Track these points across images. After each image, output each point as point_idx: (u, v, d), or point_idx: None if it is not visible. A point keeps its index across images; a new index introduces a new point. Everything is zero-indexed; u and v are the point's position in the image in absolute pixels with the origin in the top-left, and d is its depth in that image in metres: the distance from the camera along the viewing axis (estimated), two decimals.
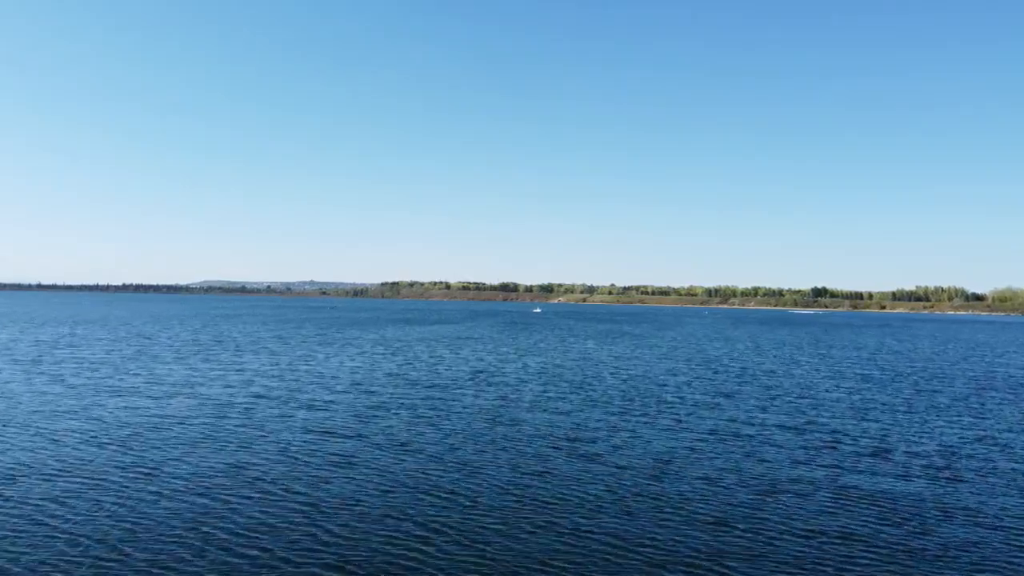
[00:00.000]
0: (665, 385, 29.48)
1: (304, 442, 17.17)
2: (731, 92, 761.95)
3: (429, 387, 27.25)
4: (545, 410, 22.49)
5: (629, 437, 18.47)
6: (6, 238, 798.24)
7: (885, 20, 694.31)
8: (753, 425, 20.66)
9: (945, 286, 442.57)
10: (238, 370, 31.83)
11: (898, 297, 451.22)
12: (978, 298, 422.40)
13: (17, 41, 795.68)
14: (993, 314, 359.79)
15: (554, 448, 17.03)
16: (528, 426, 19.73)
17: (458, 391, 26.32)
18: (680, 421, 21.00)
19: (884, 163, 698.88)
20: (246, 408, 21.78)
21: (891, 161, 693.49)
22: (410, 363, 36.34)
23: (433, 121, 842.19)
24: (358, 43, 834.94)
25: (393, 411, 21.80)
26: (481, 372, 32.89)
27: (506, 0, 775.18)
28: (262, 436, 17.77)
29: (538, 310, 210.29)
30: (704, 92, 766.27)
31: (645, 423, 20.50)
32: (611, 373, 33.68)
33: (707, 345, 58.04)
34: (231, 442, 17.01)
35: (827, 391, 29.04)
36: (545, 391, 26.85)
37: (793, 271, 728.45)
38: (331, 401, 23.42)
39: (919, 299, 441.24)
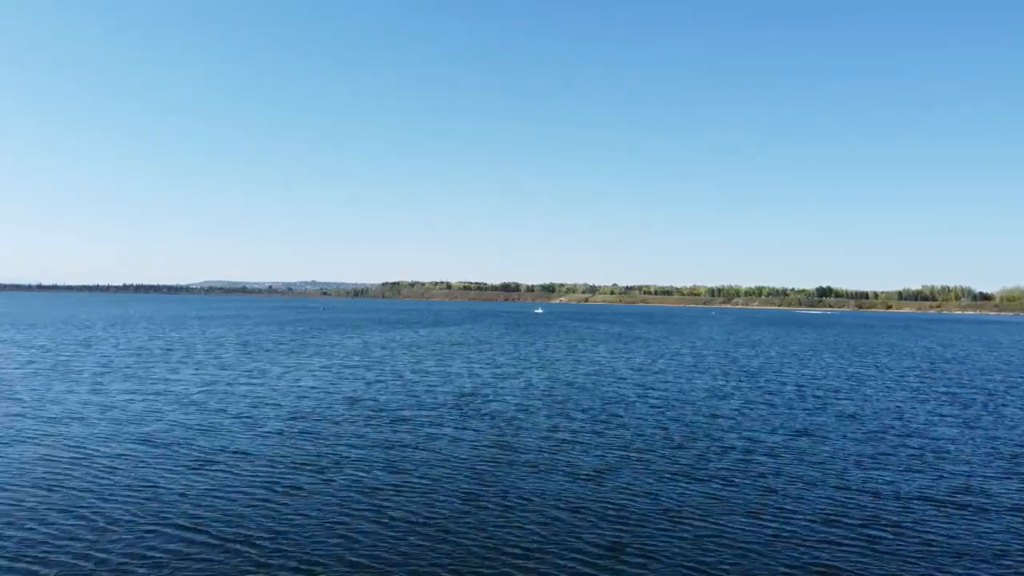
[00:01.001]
0: (716, 416, 22.00)
1: (153, 554, 9.77)
2: (731, 92, 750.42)
3: (395, 423, 19.83)
4: (558, 470, 15.06)
5: (705, 536, 11.04)
6: (6, 238, 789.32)
7: (885, 20, 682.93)
8: (883, 498, 13.24)
9: (951, 285, 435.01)
10: (156, 394, 24.45)
11: (904, 297, 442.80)
12: (985, 297, 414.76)
13: (17, 41, 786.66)
14: (1002, 314, 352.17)
15: (579, 572, 9.61)
16: (535, 506, 12.33)
17: (434, 430, 18.90)
18: (771, 490, 13.57)
19: (884, 163, 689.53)
20: (108, 467, 14.41)
21: (891, 161, 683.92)
22: (383, 381, 28.95)
23: (433, 121, 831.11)
24: (358, 43, 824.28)
25: (330, 471, 14.40)
26: (471, 395, 25.49)
27: (506, 0, 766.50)
28: (100, 534, 10.38)
29: (540, 311, 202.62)
30: (704, 92, 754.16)
31: (719, 501, 13.05)
32: (638, 395, 26.26)
33: (735, 352, 50.59)
34: (30, 548, 9.63)
35: (932, 423, 21.59)
36: (556, 428, 19.43)
37: (794, 271, 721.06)
38: (244, 454, 16.01)
39: (925, 299, 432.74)
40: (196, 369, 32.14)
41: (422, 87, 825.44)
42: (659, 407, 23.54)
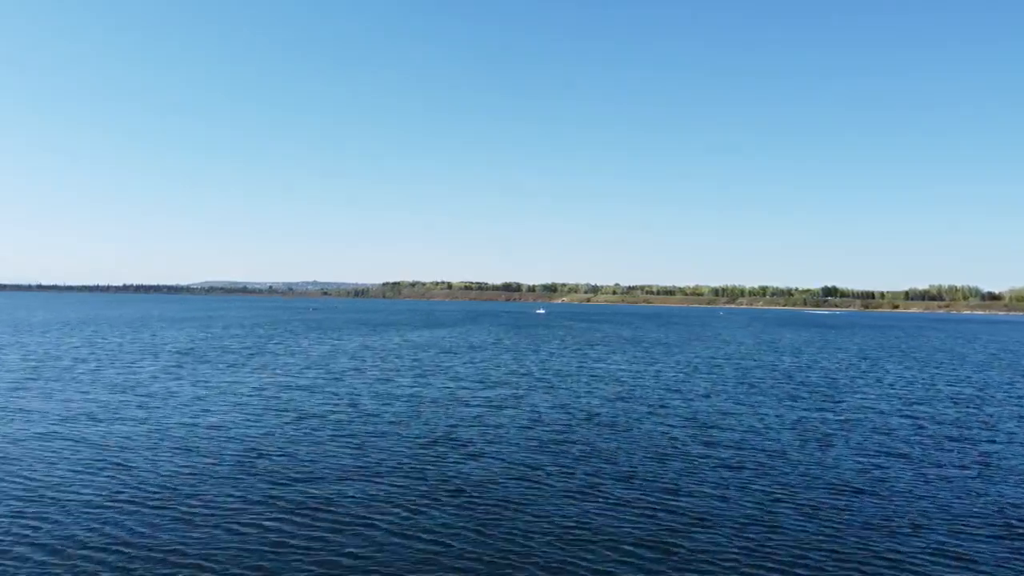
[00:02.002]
0: (852, 491, 13.32)
1: None
2: (731, 92, 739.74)
3: (303, 512, 11.26)
4: None
5: None
6: (6, 238, 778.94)
7: (885, 20, 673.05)
8: None
9: (958, 285, 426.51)
10: None
11: (911, 296, 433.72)
12: (994, 297, 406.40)
13: (17, 41, 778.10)
14: (1011, 314, 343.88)
15: None
16: None
17: (360, 536, 10.33)
18: None
19: (884, 163, 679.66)
20: None
21: (891, 161, 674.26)
22: (323, 415, 20.42)
23: (433, 121, 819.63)
24: (358, 43, 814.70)
25: None
26: (446, 443, 16.98)
27: (506, 0, 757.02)
28: None
29: (542, 311, 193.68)
30: (704, 92, 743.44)
31: None
32: (695, 439, 17.69)
33: (779, 362, 42.01)
34: None
35: None
36: (589, 531, 10.85)
37: (795, 271, 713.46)
38: None
39: (933, 299, 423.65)
40: (81, 391, 23.64)
41: (422, 87, 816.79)
42: (738, 467, 14.95)
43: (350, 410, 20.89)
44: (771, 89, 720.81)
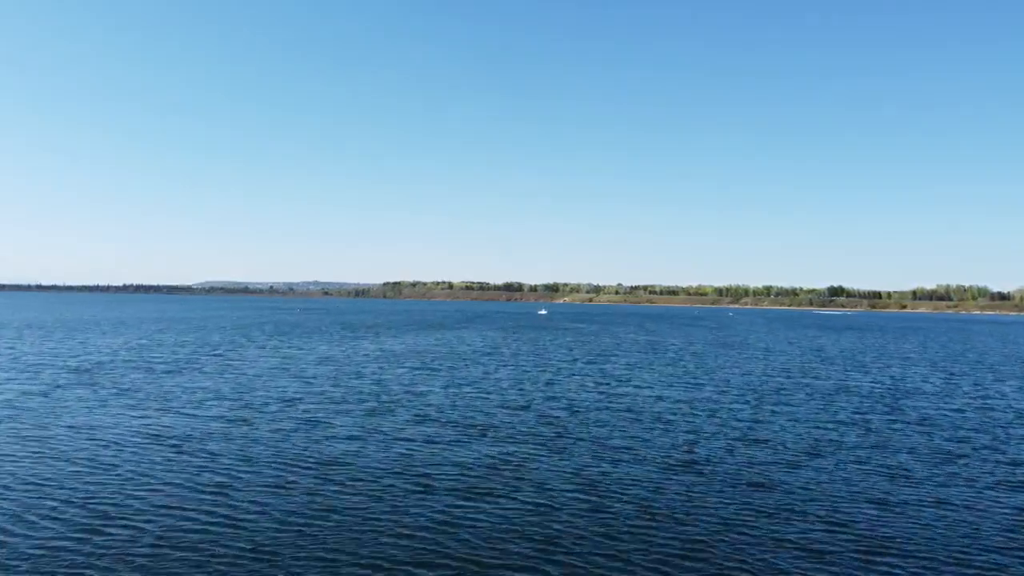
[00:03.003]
0: None
1: None
2: (731, 92, 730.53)
3: None
4: None
5: None
6: (6, 238, 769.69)
7: (885, 20, 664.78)
8: None
9: (967, 285, 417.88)
10: None
11: (919, 296, 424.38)
12: (1003, 297, 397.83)
13: (17, 41, 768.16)
14: (1022, 314, 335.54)
15: None
16: None
17: None
18: None
19: (884, 163, 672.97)
20: None
21: (891, 161, 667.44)
22: (170, 515, 11.32)
23: (433, 121, 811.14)
24: (358, 43, 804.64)
25: None
26: None
27: (506, 0, 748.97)
28: None
29: (544, 311, 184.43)
30: (704, 92, 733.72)
31: None
32: None
33: (853, 380, 32.85)
34: None
35: None
36: None
37: (795, 270, 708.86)
38: None
39: (941, 298, 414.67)
40: None
41: (422, 87, 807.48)
42: None
43: (225, 500, 11.71)
44: (771, 89, 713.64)
